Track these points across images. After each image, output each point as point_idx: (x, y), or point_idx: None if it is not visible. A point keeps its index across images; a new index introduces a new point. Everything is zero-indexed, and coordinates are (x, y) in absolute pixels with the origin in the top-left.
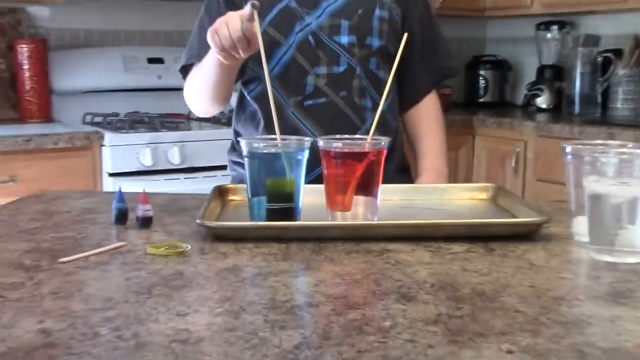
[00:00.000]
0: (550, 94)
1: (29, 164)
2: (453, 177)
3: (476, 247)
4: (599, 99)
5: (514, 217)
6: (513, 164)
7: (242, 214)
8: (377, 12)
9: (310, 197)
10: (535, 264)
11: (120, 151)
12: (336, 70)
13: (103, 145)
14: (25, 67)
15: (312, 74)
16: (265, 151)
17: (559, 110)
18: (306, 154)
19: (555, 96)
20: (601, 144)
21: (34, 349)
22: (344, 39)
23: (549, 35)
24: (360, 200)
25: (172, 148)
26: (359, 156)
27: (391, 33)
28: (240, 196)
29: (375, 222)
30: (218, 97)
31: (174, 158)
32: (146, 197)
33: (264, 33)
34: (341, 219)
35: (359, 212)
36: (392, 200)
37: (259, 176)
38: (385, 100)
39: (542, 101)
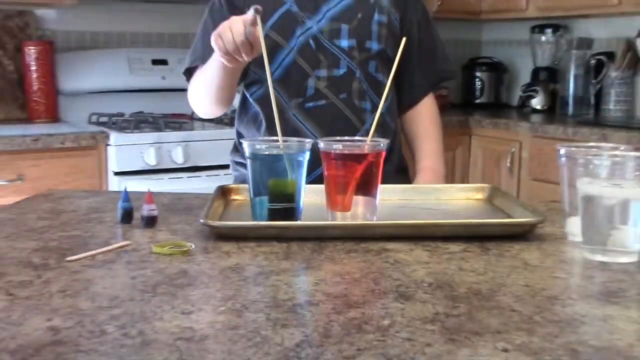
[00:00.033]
0: (544, 96)
1: (36, 163)
2: (450, 176)
3: (472, 247)
4: (592, 101)
5: (509, 217)
6: (508, 164)
7: (244, 214)
8: (376, 16)
9: (311, 197)
10: (530, 263)
11: (125, 151)
12: (336, 73)
13: (108, 145)
14: (33, 68)
15: (312, 77)
16: (267, 152)
17: (553, 111)
18: (307, 155)
19: (549, 97)
20: (594, 147)
21: (42, 346)
22: (344, 43)
23: (543, 38)
24: (359, 200)
25: (175, 148)
26: (358, 158)
27: (390, 37)
28: (242, 196)
29: (374, 222)
30: (221, 99)
31: (178, 157)
32: (151, 196)
33: (265, 37)
34: (341, 218)
35: (358, 211)
36: (390, 200)
37: (261, 177)
38: (384, 102)
39: (536, 102)
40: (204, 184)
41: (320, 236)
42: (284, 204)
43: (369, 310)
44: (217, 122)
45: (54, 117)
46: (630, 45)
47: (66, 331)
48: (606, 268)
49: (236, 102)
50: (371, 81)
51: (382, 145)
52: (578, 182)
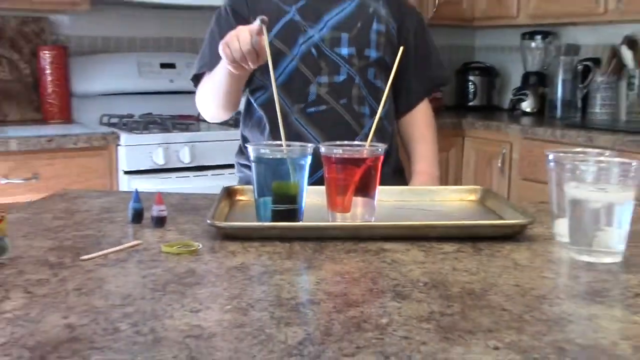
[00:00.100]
0: (534, 99)
1: (50, 162)
2: (444, 176)
3: (465, 247)
4: (579, 104)
5: (501, 218)
6: (499, 164)
7: (249, 214)
8: (375, 25)
9: (313, 198)
10: (520, 263)
11: (134, 150)
12: (337, 79)
13: (119, 145)
14: (48, 71)
15: (314, 83)
16: (271, 156)
17: (543, 114)
18: (309, 159)
19: (539, 101)
20: (581, 152)
21: (60, 343)
22: (344, 51)
23: (533, 44)
24: (359, 201)
25: (182, 148)
26: (357, 162)
27: (388, 45)
28: (247, 196)
29: (372, 223)
30: (228, 104)
31: (185, 157)
32: (161, 197)
33: (270, 45)
34: (341, 219)
35: (357, 212)
36: (388, 202)
37: (265, 179)
38: (383, 107)
39: (526, 105)
40: (210, 183)
41: (321, 236)
42: (287, 205)
43: (367, 309)
44: (223, 123)
45: (67, 118)
46: (615, 52)
47: (81, 328)
48: (592, 268)
49: (241, 107)
50: (370, 87)
51: (380, 149)
52: (565, 186)
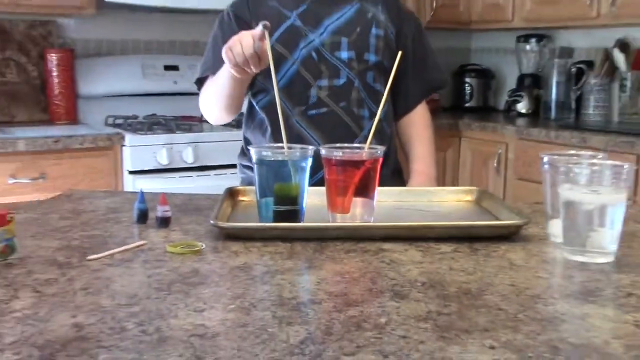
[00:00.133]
0: (529, 100)
1: (57, 162)
2: (441, 176)
3: (462, 247)
4: (573, 106)
5: (497, 218)
6: (495, 164)
7: (251, 214)
8: (374, 30)
9: (313, 199)
10: (515, 263)
11: (139, 151)
12: (337, 82)
13: (124, 146)
14: (55, 74)
15: (315, 86)
16: (272, 159)
17: (537, 115)
18: (310, 161)
19: (533, 102)
20: (574, 155)
21: (68, 341)
22: (344, 55)
23: (528, 47)
24: (358, 202)
25: (186, 148)
26: (357, 164)
27: (386, 49)
28: (249, 197)
29: (371, 224)
30: (231, 107)
31: (188, 157)
32: (165, 198)
33: (271, 49)
34: (341, 220)
35: (357, 213)
36: (386, 202)
37: (267, 181)
38: (382, 110)
39: (522, 107)
40: (212, 182)
41: (322, 237)
42: (288, 206)
43: (367, 308)
44: (225, 124)
45: (73, 119)
46: (607, 54)
47: (89, 327)
48: (585, 268)
49: (244, 109)
50: (369, 90)
51: (378, 152)
52: (559, 188)
